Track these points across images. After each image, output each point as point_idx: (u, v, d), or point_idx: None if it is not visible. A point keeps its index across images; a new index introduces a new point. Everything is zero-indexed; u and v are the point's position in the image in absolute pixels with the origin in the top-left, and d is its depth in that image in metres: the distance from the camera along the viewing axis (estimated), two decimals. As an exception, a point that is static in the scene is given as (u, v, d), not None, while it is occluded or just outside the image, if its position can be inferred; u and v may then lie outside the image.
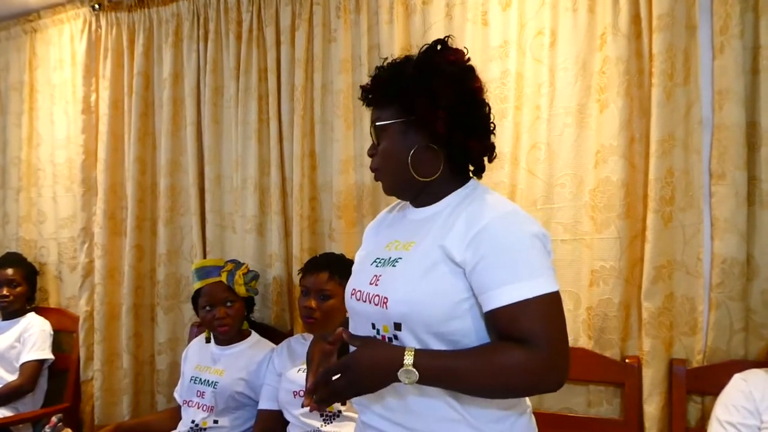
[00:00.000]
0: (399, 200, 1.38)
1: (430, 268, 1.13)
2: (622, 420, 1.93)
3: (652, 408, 1.86)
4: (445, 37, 1.22)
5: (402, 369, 1.05)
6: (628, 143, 1.91)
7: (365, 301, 1.20)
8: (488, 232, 1.10)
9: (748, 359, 1.80)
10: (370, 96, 1.25)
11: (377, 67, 1.25)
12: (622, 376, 1.91)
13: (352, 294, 1.27)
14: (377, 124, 1.22)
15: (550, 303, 1.07)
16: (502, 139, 2.02)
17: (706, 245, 1.85)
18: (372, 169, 1.28)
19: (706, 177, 1.85)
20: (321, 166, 2.42)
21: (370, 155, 1.27)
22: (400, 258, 1.19)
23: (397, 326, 1.14)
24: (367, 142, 2.25)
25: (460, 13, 2.14)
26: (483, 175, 1.28)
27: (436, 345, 1.12)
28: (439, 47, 1.21)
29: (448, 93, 1.16)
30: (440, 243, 1.14)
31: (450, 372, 1.06)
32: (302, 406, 1.13)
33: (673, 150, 1.85)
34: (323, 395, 1.12)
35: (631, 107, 1.91)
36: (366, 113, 2.26)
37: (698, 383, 1.84)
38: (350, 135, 2.32)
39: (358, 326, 1.24)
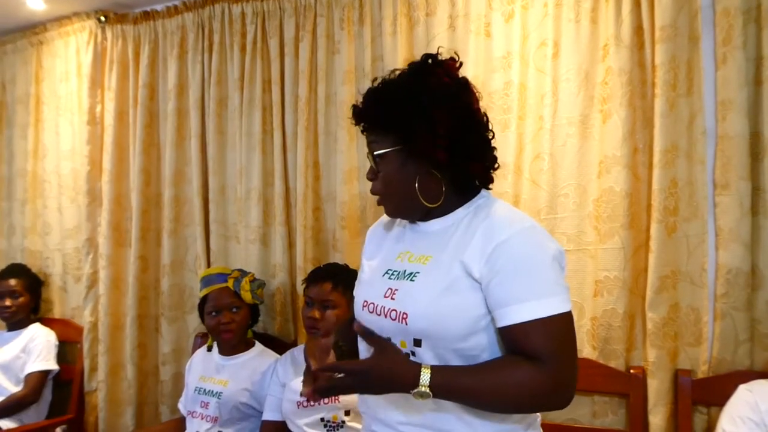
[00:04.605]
0: None
1: (451, 284, 1.12)
2: (628, 431, 1.92)
3: (657, 419, 1.85)
4: (438, 49, 1.20)
5: (416, 389, 1.05)
6: (632, 153, 1.92)
7: (380, 315, 1.19)
8: (506, 247, 1.09)
9: (754, 370, 1.79)
10: (363, 121, 1.22)
11: (369, 90, 1.21)
12: (627, 386, 1.91)
13: (363, 306, 1.24)
14: (375, 153, 1.20)
15: (562, 323, 1.08)
16: (505, 150, 2.03)
17: (711, 255, 1.85)
18: (373, 193, 1.25)
19: (710, 187, 1.85)
20: (325, 176, 2.43)
21: (370, 179, 1.24)
22: (418, 272, 1.17)
23: (417, 342, 1.13)
24: (371, 152, 2.28)
25: (463, 24, 2.15)
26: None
27: (455, 360, 1.12)
28: (429, 61, 1.18)
29: (445, 118, 1.13)
30: (460, 258, 1.13)
31: (463, 390, 1.07)
32: (300, 395, 1.12)
33: (677, 160, 1.85)
34: (323, 387, 1.10)
35: (634, 118, 1.91)
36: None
37: (704, 394, 1.83)
38: (354, 146, 2.33)
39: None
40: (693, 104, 1.86)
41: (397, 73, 1.20)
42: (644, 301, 1.88)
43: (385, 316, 1.17)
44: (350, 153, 2.33)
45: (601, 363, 1.94)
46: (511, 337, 1.08)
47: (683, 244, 1.87)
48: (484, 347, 1.12)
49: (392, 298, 1.17)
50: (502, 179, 2.04)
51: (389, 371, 1.07)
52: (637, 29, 1.91)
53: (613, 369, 1.93)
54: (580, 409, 1.99)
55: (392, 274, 1.22)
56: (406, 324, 1.13)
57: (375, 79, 1.22)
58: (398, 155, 1.17)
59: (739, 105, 1.78)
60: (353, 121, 1.24)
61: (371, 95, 1.20)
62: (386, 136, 1.18)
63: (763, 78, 1.78)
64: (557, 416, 2.00)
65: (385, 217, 1.42)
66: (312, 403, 1.92)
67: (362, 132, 1.24)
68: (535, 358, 1.05)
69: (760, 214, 1.80)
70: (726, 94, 1.80)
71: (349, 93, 2.32)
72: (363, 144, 2.31)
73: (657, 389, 1.86)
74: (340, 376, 1.10)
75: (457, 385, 1.06)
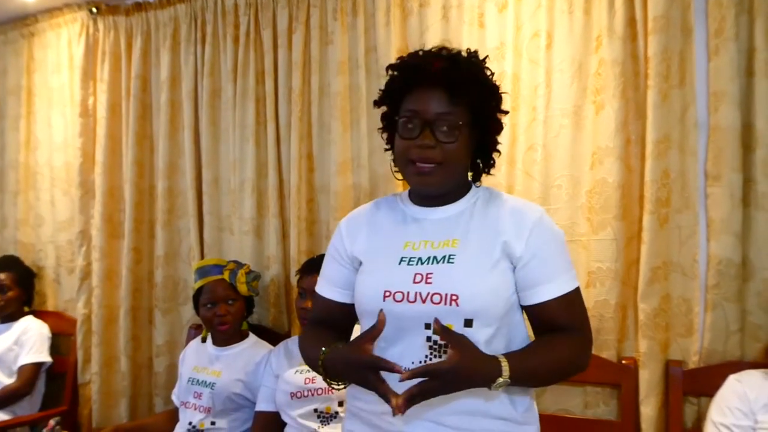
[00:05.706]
0: (378, 199, 1.39)
1: (495, 264, 1.17)
2: (619, 421, 1.93)
3: (648, 409, 1.86)
4: (484, 56, 1.26)
5: (499, 380, 1.05)
6: (624, 145, 1.92)
7: (414, 301, 1.15)
8: (540, 229, 1.19)
9: (745, 360, 1.80)
10: (451, 86, 1.16)
11: (458, 57, 1.20)
12: (619, 377, 1.92)
13: (386, 296, 1.18)
14: (460, 123, 1.16)
15: (579, 294, 1.22)
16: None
17: (702, 247, 1.85)
18: (430, 161, 1.17)
19: (701, 179, 1.86)
20: (318, 168, 2.43)
21: (429, 146, 1.16)
22: (453, 254, 1.18)
23: (468, 322, 1.13)
24: (364, 143, 2.28)
25: (456, 15, 2.14)
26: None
27: (500, 338, 1.17)
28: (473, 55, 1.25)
29: (500, 106, 1.25)
30: (503, 239, 1.18)
31: (531, 372, 1.13)
32: (393, 414, 1.06)
33: (669, 152, 1.86)
34: (415, 393, 1.03)
35: (626, 109, 1.92)
36: (363, 116, 2.28)
37: (694, 384, 1.84)
38: (347, 137, 2.33)
39: (395, 329, 1.16)
40: (685, 96, 1.86)
41: (457, 50, 1.23)
42: (636, 292, 1.89)
43: (423, 301, 1.14)
44: (344, 144, 2.32)
45: (593, 354, 1.93)
46: (546, 311, 1.18)
47: (675, 236, 1.87)
48: (514, 324, 1.21)
49: (427, 282, 1.15)
50: (495, 170, 2.00)
51: (474, 367, 1.05)
52: (630, 20, 1.91)
53: (605, 360, 1.94)
54: (571, 400, 2.00)
55: (411, 261, 1.19)
56: (457, 305, 1.12)
57: (442, 48, 1.22)
58: (470, 129, 1.20)
59: (732, 96, 1.78)
60: (417, 80, 1.19)
61: (465, 64, 1.19)
62: (458, 108, 1.17)
63: (755, 69, 1.78)
64: (549, 406, 2.01)
65: (361, 210, 1.38)
66: (307, 394, 1.92)
67: (405, 92, 1.21)
68: (567, 329, 1.17)
69: (751, 205, 1.80)
70: (718, 86, 1.80)
71: (342, 84, 2.32)
72: (357, 135, 2.34)
73: (648, 380, 1.87)
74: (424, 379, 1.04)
75: (526, 368, 1.11)
